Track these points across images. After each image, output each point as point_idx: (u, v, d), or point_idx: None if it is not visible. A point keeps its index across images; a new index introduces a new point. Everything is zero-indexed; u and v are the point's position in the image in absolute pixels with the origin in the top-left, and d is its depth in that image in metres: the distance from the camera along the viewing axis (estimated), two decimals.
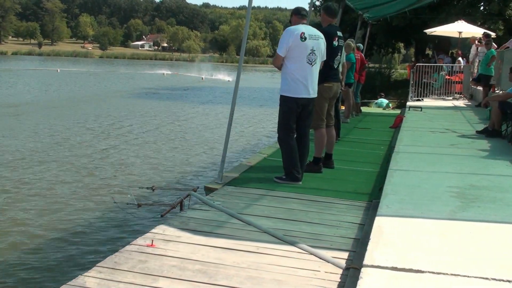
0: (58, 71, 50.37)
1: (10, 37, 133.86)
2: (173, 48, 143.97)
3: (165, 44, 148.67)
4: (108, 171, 10.09)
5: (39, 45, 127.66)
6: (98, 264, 3.34)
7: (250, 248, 3.69)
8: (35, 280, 5.34)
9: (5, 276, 5.42)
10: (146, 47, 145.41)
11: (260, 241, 3.83)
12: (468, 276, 2.76)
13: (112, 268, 3.27)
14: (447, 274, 2.79)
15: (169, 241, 3.77)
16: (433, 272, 2.80)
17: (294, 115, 5.57)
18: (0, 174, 9.58)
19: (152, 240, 3.72)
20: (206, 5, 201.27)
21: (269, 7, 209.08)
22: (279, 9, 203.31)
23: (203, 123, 18.15)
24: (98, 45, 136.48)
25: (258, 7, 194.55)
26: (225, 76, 48.97)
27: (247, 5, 5.80)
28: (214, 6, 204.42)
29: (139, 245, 3.67)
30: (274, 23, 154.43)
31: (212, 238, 3.87)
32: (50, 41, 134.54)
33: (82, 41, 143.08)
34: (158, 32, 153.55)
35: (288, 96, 5.52)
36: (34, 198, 8.19)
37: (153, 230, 3.99)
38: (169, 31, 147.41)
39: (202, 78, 49.02)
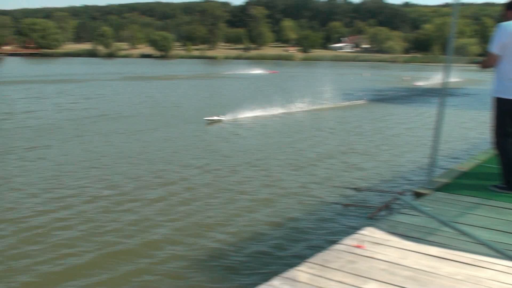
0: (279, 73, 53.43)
1: (221, 43, 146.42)
2: (374, 49, 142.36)
3: (366, 45, 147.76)
4: (318, 171, 10.23)
5: (247, 49, 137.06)
6: (307, 260, 3.43)
7: (466, 259, 3.46)
8: (248, 265, 5.71)
9: (224, 257, 5.92)
10: (346, 49, 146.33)
11: (476, 253, 3.57)
12: None
13: (322, 265, 3.34)
14: None
15: (377, 244, 3.71)
16: None
17: (510, 118, 5.06)
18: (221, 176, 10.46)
19: (362, 242, 3.70)
20: (406, 4, 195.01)
21: (477, 3, 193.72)
22: (488, 4, 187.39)
23: (408, 123, 17.57)
24: (299, 48, 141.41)
25: (464, 4, 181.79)
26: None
27: (450, 2, 5.38)
28: (415, 5, 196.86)
29: (347, 245, 3.68)
30: (483, 20, 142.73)
31: (422, 244, 3.71)
32: (255, 46, 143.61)
33: (285, 45, 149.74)
34: (358, 33, 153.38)
35: (502, 97, 5.04)
36: (255, 196, 8.64)
37: (361, 231, 3.98)
38: (369, 32, 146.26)
39: (405, 78, 47.51)
